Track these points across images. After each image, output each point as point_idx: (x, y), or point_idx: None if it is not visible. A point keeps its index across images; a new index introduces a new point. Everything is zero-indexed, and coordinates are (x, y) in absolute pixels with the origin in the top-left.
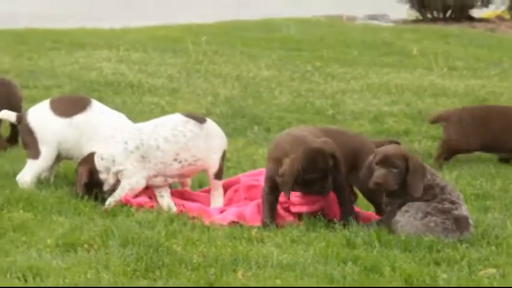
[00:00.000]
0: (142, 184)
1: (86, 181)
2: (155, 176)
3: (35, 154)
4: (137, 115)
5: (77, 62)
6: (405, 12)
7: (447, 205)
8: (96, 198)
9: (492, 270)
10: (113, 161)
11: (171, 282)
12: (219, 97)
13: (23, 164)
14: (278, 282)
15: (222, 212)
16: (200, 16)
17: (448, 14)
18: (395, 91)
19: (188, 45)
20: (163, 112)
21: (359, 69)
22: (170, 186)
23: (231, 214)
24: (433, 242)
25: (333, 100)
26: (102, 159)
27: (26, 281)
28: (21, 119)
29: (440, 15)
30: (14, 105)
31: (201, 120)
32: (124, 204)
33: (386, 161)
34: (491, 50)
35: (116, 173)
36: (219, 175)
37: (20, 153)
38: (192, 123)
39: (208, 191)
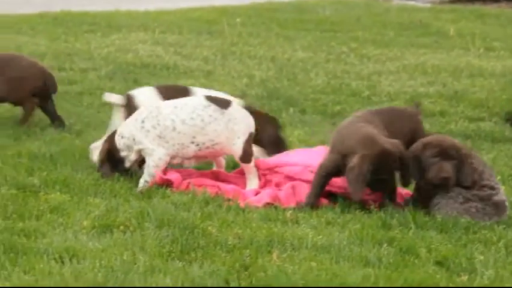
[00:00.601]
0: (164, 160)
1: (104, 159)
2: (174, 157)
3: None
4: None
5: (113, 44)
6: None
7: (487, 191)
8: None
9: None
10: (134, 139)
11: (206, 264)
12: (254, 79)
13: (59, 146)
14: (313, 265)
15: (257, 193)
16: None
17: None
18: (431, 72)
19: (224, 27)
20: None
21: (394, 50)
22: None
23: (265, 196)
24: (469, 223)
25: (368, 81)
26: (122, 137)
27: (62, 262)
28: (128, 100)
29: None
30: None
31: (223, 105)
32: (157, 183)
33: (445, 154)
34: None
35: (139, 151)
36: (245, 158)
37: (56, 136)
38: (212, 108)
39: (243, 172)
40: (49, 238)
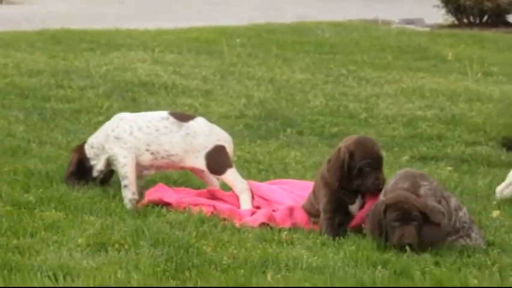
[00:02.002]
0: (130, 158)
1: (74, 169)
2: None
3: None
4: None
5: (112, 62)
6: (441, 17)
7: (461, 234)
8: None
9: None
10: (103, 148)
11: (200, 284)
12: (252, 99)
13: (55, 163)
14: (307, 286)
15: (252, 213)
16: (232, 18)
17: (484, 19)
18: (429, 95)
19: (223, 47)
20: (197, 113)
21: (393, 73)
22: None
23: (261, 216)
24: (464, 247)
25: (366, 104)
26: (92, 147)
27: (56, 280)
28: None
29: (476, 20)
30: None
31: (183, 119)
32: (155, 203)
33: (407, 217)
34: None
35: (108, 159)
36: (214, 170)
37: (53, 154)
38: (170, 121)
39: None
40: (43, 255)
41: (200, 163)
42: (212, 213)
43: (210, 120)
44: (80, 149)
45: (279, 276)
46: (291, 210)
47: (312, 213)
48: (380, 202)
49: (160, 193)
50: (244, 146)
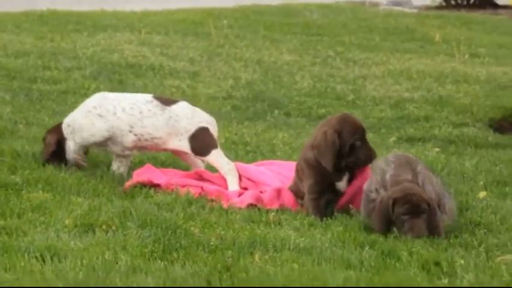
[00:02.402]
0: (107, 134)
1: (54, 150)
2: (112, 140)
3: None
4: None
5: (99, 44)
6: None
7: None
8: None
9: (510, 257)
10: (80, 127)
11: (188, 265)
12: (239, 81)
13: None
14: (295, 266)
15: (240, 195)
16: (219, 0)
17: (472, 0)
18: (416, 77)
19: (211, 28)
20: (184, 95)
21: (380, 55)
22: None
23: (248, 197)
24: (450, 227)
25: (354, 85)
26: (69, 126)
27: (44, 261)
28: None
29: (463, 2)
30: None
31: (167, 103)
32: (144, 185)
33: (415, 211)
34: None
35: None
36: (197, 151)
37: (40, 135)
38: (153, 104)
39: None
40: (31, 236)
41: (184, 146)
42: (200, 194)
43: (193, 104)
44: (58, 129)
45: (267, 257)
46: (278, 192)
47: (299, 194)
48: (386, 197)
49: (149, 174)
50: (232, 128)
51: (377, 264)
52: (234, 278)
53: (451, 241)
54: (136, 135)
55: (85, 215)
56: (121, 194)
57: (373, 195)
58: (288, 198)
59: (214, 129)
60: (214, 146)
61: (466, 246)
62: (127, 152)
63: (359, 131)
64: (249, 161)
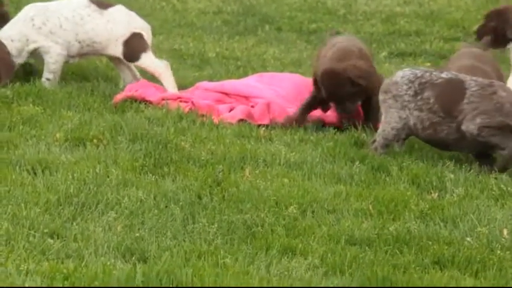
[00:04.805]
0: (63, 55)
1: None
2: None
3: None
4: (148, 13)
5: None
6: None
7: None
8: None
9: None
10: (27, 40)
11: (179, 179)
12: None
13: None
14: (285, 181)
15: (231, 110)
16: None
17: None
18: None
19: None
20: (174, 10)
21: None
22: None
23: (239, 112)
24: None
25: (344, 0)
26: (13, 40)
27: (35, 173)
28: None
29: None
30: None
31: (104, 6)
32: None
33: None
34: None
35: (33, 51)
36: (128, 56)
37: None
38: (92, 8)
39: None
40: (22, 149)
41: (118, 51)
42: (190, 109)
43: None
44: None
45: (257, 171)
46: (268, 106)
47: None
48: None
49: (142, 90)
50: (222, 42)
51: (367, 178)
52: (225, 192)
53: (441, 156)
54: (79, 42)
55: (76, 129)
56: (111, 108)
57: None
58: (279, 111)
59: (148, 36)
60: (145, 51)
61: (456, 161)
62: (70, 61)
63: None
64: (239, 76)
